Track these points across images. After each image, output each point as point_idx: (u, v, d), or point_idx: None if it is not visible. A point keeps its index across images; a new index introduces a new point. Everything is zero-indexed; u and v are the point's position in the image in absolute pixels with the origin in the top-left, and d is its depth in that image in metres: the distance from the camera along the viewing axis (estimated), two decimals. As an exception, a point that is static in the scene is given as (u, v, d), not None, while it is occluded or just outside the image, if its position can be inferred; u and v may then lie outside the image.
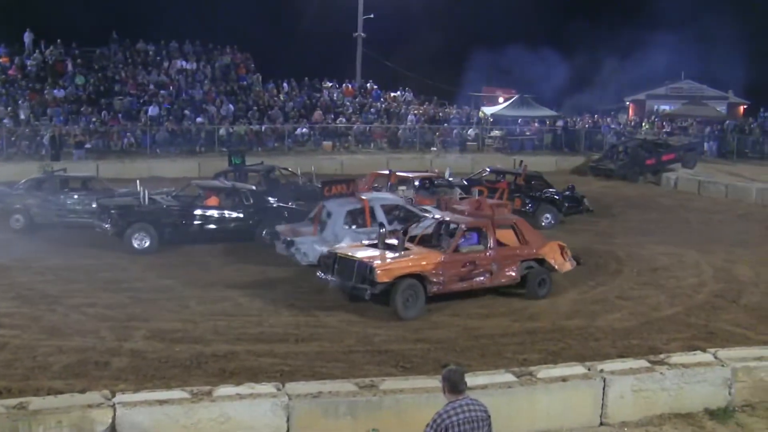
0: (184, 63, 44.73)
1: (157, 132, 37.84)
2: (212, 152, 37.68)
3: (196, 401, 8.75)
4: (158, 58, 44.84)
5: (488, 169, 27.82)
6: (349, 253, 15.34)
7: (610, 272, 18.63)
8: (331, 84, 47.59)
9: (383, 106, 46.14)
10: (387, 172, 25.01)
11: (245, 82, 45.24)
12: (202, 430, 8.66)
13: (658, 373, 10.16)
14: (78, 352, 12.39)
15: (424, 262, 15.05)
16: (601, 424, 9.92)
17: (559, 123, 45.98)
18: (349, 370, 11.80)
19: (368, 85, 49.04)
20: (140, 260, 19.04)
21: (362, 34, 49.86)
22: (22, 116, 37.26)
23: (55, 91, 39.71)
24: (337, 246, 16.34)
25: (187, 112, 40.34)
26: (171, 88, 42.66)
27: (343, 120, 43.16)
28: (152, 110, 39.49)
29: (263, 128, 40.39)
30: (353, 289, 14.94)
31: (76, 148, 35.08)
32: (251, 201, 21.22)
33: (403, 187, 23.45)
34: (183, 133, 38.58)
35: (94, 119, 38.00)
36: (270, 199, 22.09)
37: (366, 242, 16.18)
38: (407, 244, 15.66)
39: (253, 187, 22.63)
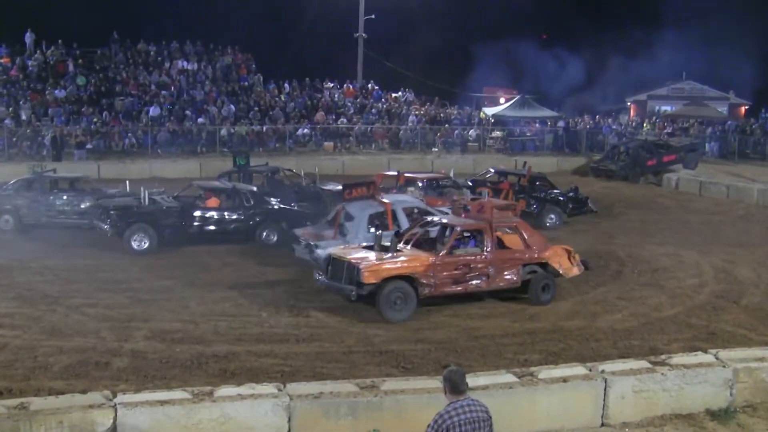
0: (185, 63, 44.74)
1: (158, 132, 37.84)
2: (213, 153, 37.70)
3: (197, 402, 8.75)
4: (159, 58, 44.86)
5: (492, 170, 27.87)
6: (341, 255, 15.31)
7: (611, 273, 18.63)
8: (332, 84, 47.59)
9: (384, 106, 46.14)
10: (395, 173, 24.98)
11: (246, 83, 45.25)
12: (203, 431, 8.66)
13: (659, 373, 10.15)
14: (78, 353, 12.39)
15: (415, 264, 14.91)
16: (602, 424, 9.91)
17: (560, 124, 45.96)
18: (349, 371, 11.80)
19: (369, 85, 49.03)
20: (140, 261, 19.04)
21: (363, 35, 49.84)
22: (24, 117, 37.30)
23: (56, 91, 39.73)
24: (333, 248, 16.33)
25: (188, 112, 40.36)
26: (172, 88, 42.67)
27: (345, 121, 43.17)
28: (153, 111, 39.51)
29: (264, 129, 40.39)
30: (340, 290, 14.92)
31: (77, 148, 35.11)
32: (251, 202, 21.21)
33: (412, 188, 23.42)
34: (184, 133, 38.58)
35: (95, 120, 38.01)
36: (272, 200, 22.06)
37: (364, 244, 16.13)
38: (402, 247, 15.60)
39: (254, 188, 22.60)
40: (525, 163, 29.82)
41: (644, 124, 50.07)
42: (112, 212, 20.12)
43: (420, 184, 24.04)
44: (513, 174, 27.26)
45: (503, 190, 24.48)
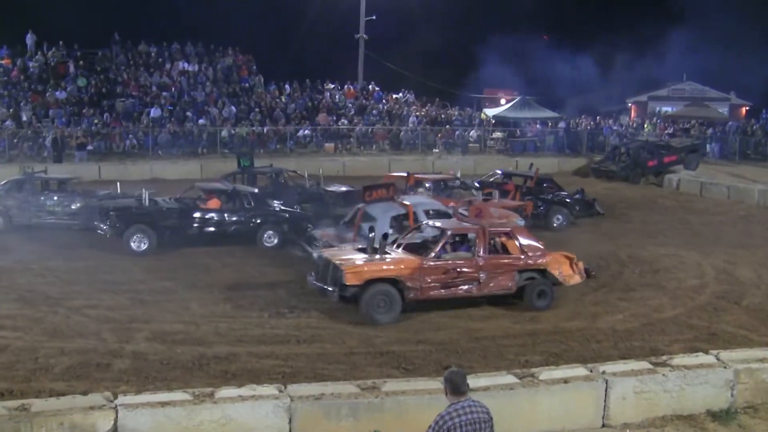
0: (186, 65, 44.74)
1: (159, 134, 37.86)
2: (214, 154, 37.73)
3: (198, 403, 8.75)
4: (160, 59, 44.86)
5: (499, 172, 27.89)
6: (330, 256, 15.31)
7: (612, 273, 18.63)
8: (333, 86, 47.60)
9: (385, 107, 46.14)
10: (404, 174, 25.00)
11: (247, 84, 45.27)
12: (203, 432, 8.67)
13: (660, 374, 10.15)
14: (80, 354, 12.39)
15: (401, 267, 14.80)
16: (603, 425, 9.91)
17: (561, 124, 45.95)
18: (350, 372, 11.81)
19: (370, 86, 49.04)
20: (141, 262, 19.04)
21: (364, 36, 49.86)
22: (24, 118, 37.32)
23: (57, 92, 39.74)
24: (326, 249, 16.31)
25: (189, 113, 40.36)
26: (173, 89, 42.69)
27: (345, 122, 43.18)
28: (154, 112, 39.53)
29: (265, 130, 40.40)
30: (324, 290, 14.92)
31: (78, 149, 35.13)
32: (252, 204, 21.20)
33: (421, 189, 23.41)
34: (185, 134, 38.60)
35: (96, 121, 38.02)
36: (274, 203, 22.01)
37: (359, 246, 16.06)
38: (392, 249, 15.53)
39: (256, 190, 22.59)
40: (531, 164, 29.86)
41: (645, 125, 50.04)
42: (111, 213, 20.12)
43: (428, 185, 24.04)
44: (520, 175, 27.29)
45: (509, 191, 24.61)
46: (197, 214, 20.74)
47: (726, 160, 41.64)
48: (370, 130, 42.68)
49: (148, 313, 14.75)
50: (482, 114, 49.32)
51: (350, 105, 45.52)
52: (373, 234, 15.84)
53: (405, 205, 18.62)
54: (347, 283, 14.37)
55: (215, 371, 11.89)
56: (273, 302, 15.58)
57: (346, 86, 47.82)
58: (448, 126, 44.64)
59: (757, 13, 50.42)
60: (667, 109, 58.81)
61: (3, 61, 41.57)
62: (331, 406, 8.99)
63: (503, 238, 16.00)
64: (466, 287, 15.24)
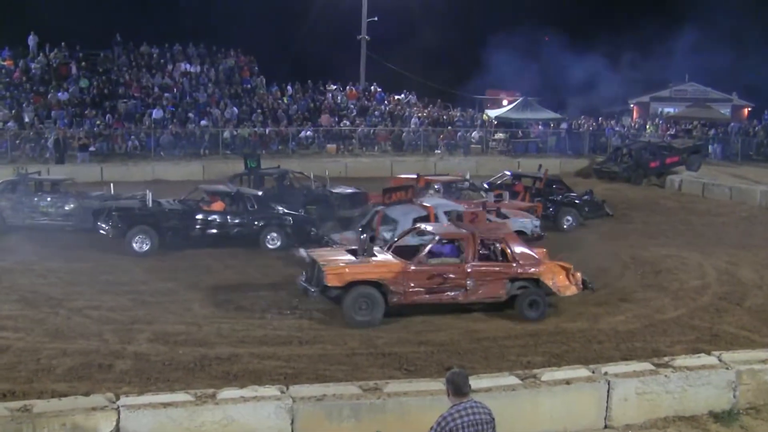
0: (187, 66, 44.76)
1: (161, 135, 37.89)
2: (216, 155, 37.74)
3: (200, 404, 8.75)
4: (162, 61, 44.88)
5: (508, 173, 27.89)
6: (317, 256, 15.31)
7: (614, 274, 18.63)
8: (335, 87, 47.61)
9: (387, 108, 46.15)
10: (414, 176, 25.02)
11: (249, 85, 45.28)
12: (205, 433, 8.67)
13: (662, 375, 10.14)
14: (81, 355, 12.40)
15: (382, 270, 14.67)
16: (605, 426, 9.90)
17: (563, 125, 45.95)
18: (352, 373, 11.81)
19: (372, 87, 49.04)
20: (143, 263, 19.04)
21: (366, 37, 49.87)
22: (27, 119, 37.37)
23: (59, 94, 39.77)
24: (315, 250, 16.30)
25: (191, 115, 40.38)
26: (175, 90, 42.73)
27: (347, 123, 43.18)
28: (156, 113, 39.56)
29: (267, 131, 40.41)
30: (305, 290, 14.90)
31: (80, 151, 35.16)
32: (255, 207, 21.17)
33: (431, 191, 23.38)
34: (187, 136, 38.62)
35: (98, 122, 38.06)
36: (278, 206, 21.93)
37: (352, 247, 15.94)
38: (382, 252, 15.49)
39: (260, 193, 22.55)
40: (540, 166, 29.89)
41: (647, 126, 50.01)
42: (113, 214, 20.14)
43: (438, 187, 24.03)
44: (529, 177, 27.30)
45: (519, 192, 24.66)
46: (199, 216, 20.73)
47: (728, 161, 41.62)
48: (372, 131, 42.69)
49: (149, 314, 14.75)
50: (484, 115, 49.33)
51: (352, 106, 45.53)
52: (365, 235, 15.88)
53: (426, 207, 18.60)
54: (328, 284, 14.35)
55: (217, 372, 11.89)
56: (275, 303, 15.58)
57: (348, 87, 47.82)
58: (450, 127, 44.65)
59: (759, 13, 50.41)
60: (669, 110, 58.78)
61: (5, 63, 41.63)
62: (333, 407, 8.99)
63: (502, 245, 15.58)
64: (452, 294, 14.97)
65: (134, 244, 19.84)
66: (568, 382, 9.86)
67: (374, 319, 14.45)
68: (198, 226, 20.63)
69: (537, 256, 15.65)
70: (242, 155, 30.44)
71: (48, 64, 42.12)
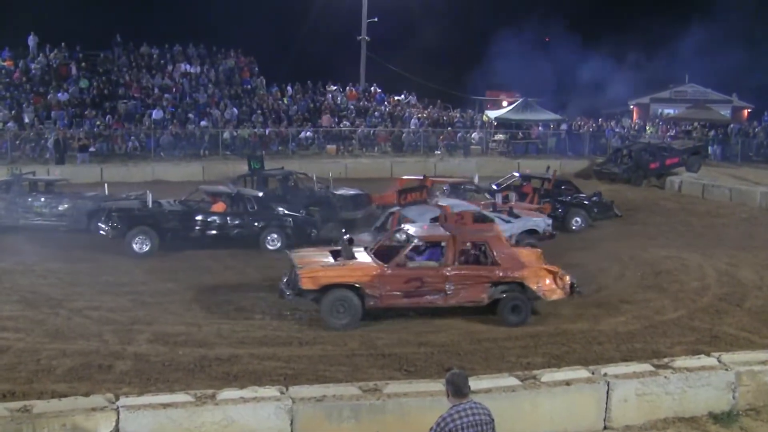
0: (187, 66, 44.76)
1: (161, 135, 37.90)
2: (216, 156, 37.76)
3: (200, 405, 8.76)
4: (162, 61, 44.88)
5: (517, 174, 27.91)
6: (297, 258, 15.29)
7: (614, 276, 18.63)
8: (335, 87, 47.61)
9: (387, 109, 46.15)
10: (421, 177, 25.03)
11: (249, 86, 45.28)
12: (205, 434, 8.67)
13: (662, 377, 10.14)
14: (81, 356, 12.40)
15: (358, 274, 14.52)
16: (605, 428, 9.90)
17: (563, 126, 45.94)
18: (352, 374, 11.81)
19: (372, 88, 49.05)
20: (143, 263, 19.05)
21: (366, 38, 49.88)
22: (27, 120, 37.38)
23: (59, 94, 39.77)
24: (297, 251, 16.26)
25: (191, 115, 40.38)
26: (174, 90, 42.74)
27: (347, 123, 43.19)
28: (156, 114, 39.57)
29: (267, 132, 40.41)
30: (282, 293, 14.86)
31: (80, 151, 35.17)
32: (255, 207, 21.16)
33: (438, 193, 23.37)
34: (187, 136, 38.62)
35: (98, 123, 38.06)
36: (279, 206, 21.91)
37: (335, 248, 15.90)
38: (365, 254, 15.38)
39: (260, 194, 22.53)
40: (548, 167, 29.90)
41: (647, 127, 50.01)
42: (113, 214, 20.14)
43: (445, 188, 24.05)
44: (538, 178, 27.31)
45: (527, 193, 24.68)
46: (199, 217, 20.73)
47: (728, 162, 41.66)
48: (372, 132, 42.69)
49: (149, 315, 14.76)
50: (484, 116, 49.33)
51: (352, 107, 45.55)
52: (348, 236, 15.84)
53: (442, 207, 18.61)
54: (303, 287, 14.31)
55: (217, 373, 11.89)
56: (275, 304, 15.57)
57: (348, 88, 47.82)
58: (450, 128, 44.64)
59: (760, 14, 50.45)
60: (669, 111, 58.76)
61: (5, 63, 41.64)
62: (333, 408, 8.99)
63: (485, 248, 15.22)
64: (430, 297, 14.72)
65: (134, 245, 19.85)
66: (567, 383, 9.86)
67: (352, 322, 14.31)
68: (198, 227, 20.64)
69: (522, 259, 15.29)
70: (246, 157, 30.37)
71: (48, 65, 42.14)
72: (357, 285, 14.41)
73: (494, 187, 25.59)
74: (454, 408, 6.59)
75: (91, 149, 36.02)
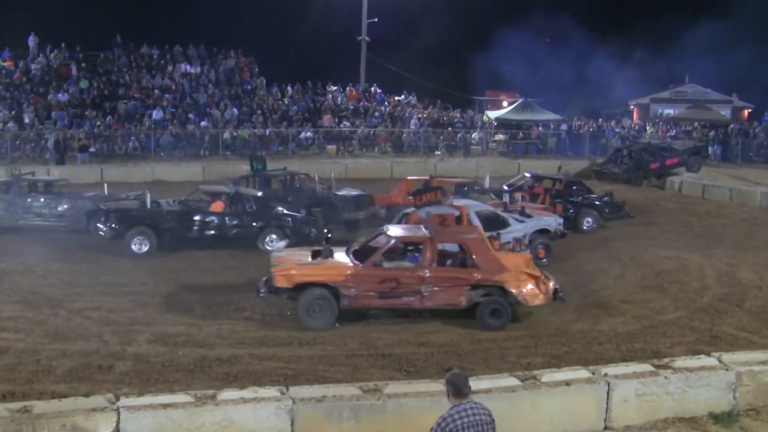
0: (188, 67, 44.80)
1: (161, 136, 37.93)
2: (216, 156, 37.78)
3: (200, 405, 8.75)
4: (162, 62, 44.91)
5: (528, 175, 27.92)
6: (275, 256, 15.27)
7: (614, 276, 18.63)
8: (335, 88, 47.63)
9: (387, 109, 46.16)
10: (427, 177, 25.00)
11: (249, 86, 45.30)
12: (205, 434, 8.67)
13: (662, 377, 10.14)
14: (81, 356, 12.40)
15: (332, 273, 14.39)
16: (605, 428, 9.90)
17: (563, 127, 45.96)
18: (352, 374, 11.81)
19: (372, 88, 49.06)
20: (143, 264, 19.05)
21: (366, 38, 49.89)
22: (27, 120, 37.40)
23: (59, 94, 39.79)
24: (280, 250, 16.21)
25: (191, 115, 40.41)
26: (173, 88, 42.77)
27: (347, 124, 43.20)
28: (156, 114, 39.60)
29: (267, 132, 40.42)
30: (258, 291, 14.81)
31: (80, 152, 35.19)
32: (254, 208, 21.14)
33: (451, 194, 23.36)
34: (187, 137, 38.65)
35: (98, 123, 38.09)
36: (278, 207, 21.88)
37: (317, 248, 15.81)
38: (344, 253, 15.29)
39: (260, 194, 22.50)
40: (560, 168, 29.90)
41: (647, 128, 50.03)
42: (112, 215, 20.15)
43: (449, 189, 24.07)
44: (549, 178, 27.31)
45: (539, 194, 24.70)
46: (197, 217, 20.72)
47: (728, 163, 41.68)
48: (372, 132, 42.70)
49: (149, 316, 14.76)
50: (484, 116, 49.34)
51: (351, 107, 45.58)
52: (330, 235, 15.79)
53: (458, 208, 18.66)
54: (277, 286, 14.28)
55: (217, 373, 11.89)
56: (275, 305, 15.54)
57: (348, 88, 47.84)
58: (450, 128, 44.66)
59: (760, 14, 50.42)
60: (669, 111, 58.80)
61: (5, 63, 41.67)
62: (333, 409, 8.99)
63: (465, 251, 14.99)
64: (406, 299, 14.47)
65: (133, 246, 19.87)
66: (568, 383, 9.86)
67: (326, 323, 14.21)
68: (196, 228, 20.63)
69: (503, 263, 14.89)
70: (248, 157, 30.34)
71: (48, 65, 42.16)
72: (331, 284, 14.28)
73: (506, 187, 25.58)
74: (454, 408, 6.59)
75: (91, 149, 36.06)
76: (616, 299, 16.56)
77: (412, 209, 19.24)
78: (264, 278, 15.04)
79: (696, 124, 48.92)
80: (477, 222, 18.35)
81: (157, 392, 10.21)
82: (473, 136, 44.13)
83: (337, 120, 43.42)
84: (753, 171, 37.96)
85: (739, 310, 15.83)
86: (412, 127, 43.77)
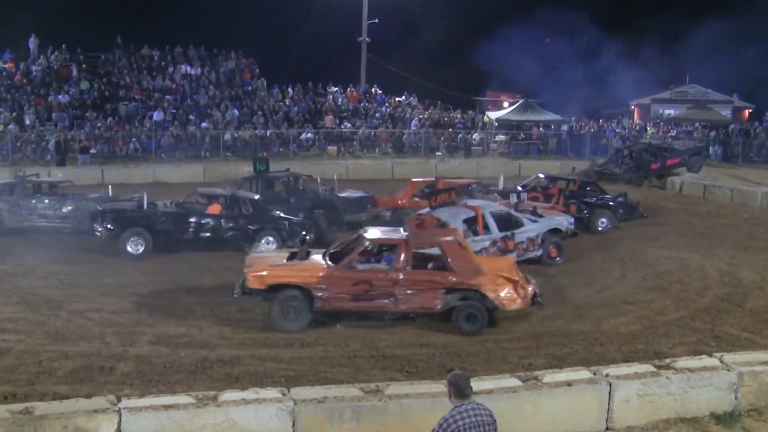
0: (188, 68, 44.84)
1: (162, 137, 37.97)
2: (217, 157, 37.81)
3: (202, 406, 8.75)
4: (163, 63, 44.97)
5: (542, 176, 27.92)
6: (249, 259, 15.25)
7: (615, 276, 18.62)
8: (336, 89, 47.65)
9: (388, 110, 46.17)
10: (432, 179, 24.97)
11: (250, 87, 45.33)
12: (206, 436, 8.67)
13: (664, 377, 10.13)
14: (83, 357, 12.40)
15: (304, 274, 14.25)
16: (607, 428, 9.89)
17: (564, 127, 45.96)
18: (353, 375, 11.80)
19: (373, 89, 49.07)
20: (144, 265, 19.05)
21: (366, 39, 49.92)
22: (28, 122, 37.45)
23: (60, 96, 39.84)
24: (259, 252, 16.17)
25: (191, 117, 40.46)
26: (174, 87, 42.79)
27: (348, 125, 43.21)
28: (157, 115, 39.64)
29: (268, 133, 40.43)
30: (233, 291, 14.78)
31: (81, 153, 35.23)
32: (251, 210, 21.08)
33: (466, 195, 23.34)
34: (188, 138, 38.70)
35: (99, 124, 38.13)
36: (276, 210, 21.81)
37: (294, 249, 15.76)
38: (316, 255, 15.20)
39: (256, 196, 22.42)
40: (573, 168, 29.89)
41: (648, 128, 50.05)
42: (107, 216, 20.18)
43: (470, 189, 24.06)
44: (563, 179, 27.31)
45: (554, 195, 24.71)
46: (193, 219, 20.69)
47: (729, 163, 41.68)
48: (372, 133, 42.72)
49: (151, 317, 14.76)
50: (485, 117, 49.36)
51: (351, 108, 45.61)
52: (308, 237, 15.68)
53: (474, 208, 18.64)
54: (250, 287, 14.25)
55: (219, 374, 11.89)
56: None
57: (348, 89, 47.85)
58: (450, 129, 44.68)
59: (760, 14, 50.44)
60: (669, 111, 58.83)
61: (6, 65, 41.74)
62: (334, 410, 8.99)
63: (441, 254, 14.67)
64: (380, 302, 14.25)
65: (128, 247, 19.91)
66: (569, 384, 9.86)
67: (300, 325, 14.13)
68: (191, 229, 20.60)
69: (479, 266, 14.57)
70: (251, 159, 30.28)
71: (49, 67, 42.21)
72: (303, 286, 14.18)
73: (520, 188, 25.58)
74: (456, 409, 6.59)
75: (92, 151, 36.10)
76: (618, 300, 16.55)
77: (427, 210, 19.23)
78: (240, 279, 14.96)
79: (697, 124, 48.97)
80: (493, 223, 18.37)
81: (158, 393, 10.21)
82: (474, 136, 44.15)
83: (338, 121, 43.43)
84: (754, 171, 37.95)
85: (741, 310, 15.82)
86: (413, 127, 43.80)
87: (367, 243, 14.84)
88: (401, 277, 14.24)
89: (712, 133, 45.95)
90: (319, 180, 25.81)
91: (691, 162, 36.00)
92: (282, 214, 21.29)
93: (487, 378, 10.14)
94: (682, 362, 10.68)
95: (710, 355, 11.11)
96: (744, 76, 52.22)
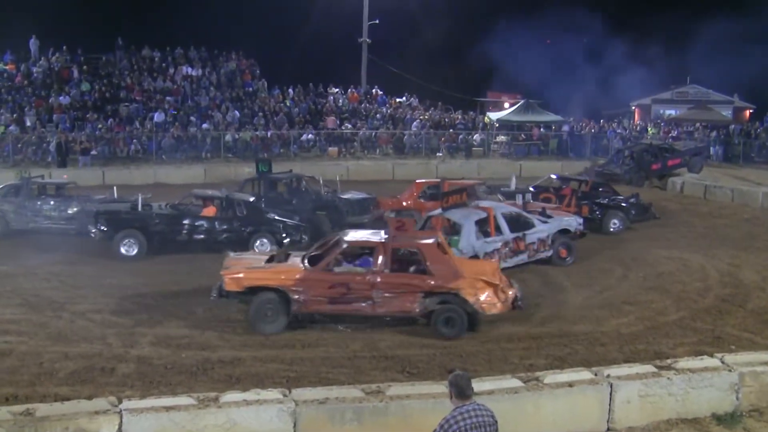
0: (189, 69, 44.86)
1: (163, 138, 37.97)
2: (218, 158, 37.82)
3: (203, 407, 8.76)
4: (164, 64, 45.00)
5: (554, 177, 27.90)
6: (227, 261, 15.20)
7: (616, 277, 18.61)
8: (336, 90, 47.67)
9: (388, 111, 46.18)
10: (437, 180, 24.96)
11: (251, 88, 45.35)
12: (208, 437, 8.67)
13: (665, 378, 10.13)
14: (84, 359, 12.40)
15: (280, 277, 14.15)
16: (608, 429, 9.90)
17: (565, 128, 45.96)
18: (354, 376, 11.81)
19: (373, 90, 49.08)
20: (145, 267, 19.07)
21: (367, 40, 49.93)
22: (28, 123, 37.48)
23: (61, 97, 39.87)
24: (238, 254, 16.14)
25: (192, 118, 40.48)
26: (176, 92, 42.79)
27: (349, 126, 43.22)
28: (158, 117, 39.67)
29: (269, 134, 40.44)
30: (211, 294, 14.73)
31: (81, 154, 35.26)
32: (245, 212, 21.04)
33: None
34: (189, 139, 38.71)
35: (99, 126, 38.14)
36: (271, 213, 21.73)
37: (273, 252, 15.68)
38: (294, 258, 15.13)
39: (251, 198, 22.35)
40: (585, 168, 29.87)
41: (648, 128, 50.04)
42: (101, 217, 20.19)
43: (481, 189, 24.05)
44: (575, 180, 27.30)
45: (566, 195, 24.73)
46: (187, 221, 20.68)
47: (730, 163, 41.66)
48: (373, 134, 42.72)
49: (152, 318, 14.76)
50: (485, 118, 49.35)
51: (352, 108, 45.63)
52: (288, 240, 15.60)
53: (486, 209, 18.65)
54: (227, 289, 14.21)
55: (220, 375, 11.89)
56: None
57: (349, 90, 47.86)
58: (451, 130, 44.68)
59: (760, 14, 50.42)
60: (670, 112, 58.81)
61: (7, 67, 41.77)
62: (336, 411, 8.99)
63: (419, 257, 14.54)
64: (357, 305, 14.10)
65: (122, 248, 19.97)
66: (570, 384, 9.86)
67: (277, 327, 14.05)
68: (185, 231, 20.59)
69: (459, 270, 14.39)
70: (254, 160, 30.24)
71: (50, 68, 42.25)
72: (281, 288, 14.05)
73: (532, 189, 25.56)
74: (457, 410, 6.59)
75: (93, 152, 36.12)
76: (619, 300, 16.55)
77: (438, 212, 19.23)
78: (218, 282, 14.89)
79: (697, 124, 48.93)
80: (504, 224, 18.41)
81: (159, 395, 10.21)
82: (475, 137, 44.12)
83: (338, 122, 43.45)
84: (755, 171, 37.94)
85: (742, 310, 15.81)
86: (414, 128, 43.79)
87: (344, 245, 14.73)
88: (379, 280, 14.10)
89: (713, 134, 45.94)
90: (321, 181, 25.76)
91: (692, 162, 36.00)
92: (277, 217, 21.23)
93: (488, 379, 10.15)
94: (683, 363, 10.68)
95: (711, 356, 11.11)
96: (745, 77, 52.17)
